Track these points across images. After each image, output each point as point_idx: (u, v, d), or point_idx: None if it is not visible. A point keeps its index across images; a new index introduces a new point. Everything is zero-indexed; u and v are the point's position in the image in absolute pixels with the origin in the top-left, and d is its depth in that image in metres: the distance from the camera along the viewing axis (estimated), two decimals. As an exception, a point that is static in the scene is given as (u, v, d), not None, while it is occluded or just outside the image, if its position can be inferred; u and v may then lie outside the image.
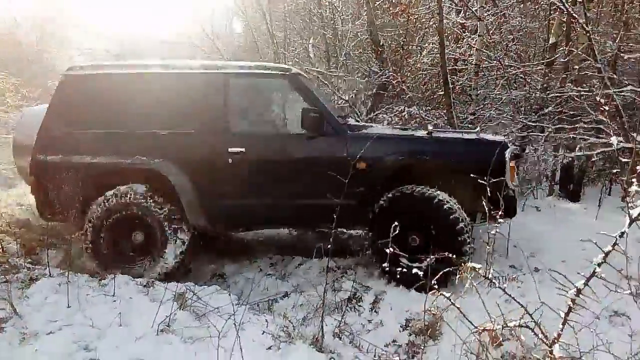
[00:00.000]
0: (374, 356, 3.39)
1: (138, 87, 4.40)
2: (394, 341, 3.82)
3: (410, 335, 3.82)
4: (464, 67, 7.81)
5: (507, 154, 4.08)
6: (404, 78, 7.53)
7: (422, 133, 4.37)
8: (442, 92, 6.76)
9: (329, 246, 3.31)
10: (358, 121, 5.01)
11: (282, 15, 10.63)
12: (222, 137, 4.24)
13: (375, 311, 4.23)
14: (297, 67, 6.23)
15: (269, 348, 2.91)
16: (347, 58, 9.23)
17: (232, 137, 4.24)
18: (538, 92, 6.32)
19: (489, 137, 4.41)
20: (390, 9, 8.79)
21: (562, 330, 1.56)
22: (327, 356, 2.89)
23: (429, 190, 4.11)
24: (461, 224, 4.03)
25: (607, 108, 2.33)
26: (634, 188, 1.49)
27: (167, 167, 4.23)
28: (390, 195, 4.17)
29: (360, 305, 4.31)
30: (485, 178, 3.54)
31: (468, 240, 4.03)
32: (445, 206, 4.03)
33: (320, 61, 9.81)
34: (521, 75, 6.72)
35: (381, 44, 8.08)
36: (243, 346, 2.93)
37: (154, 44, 10.93)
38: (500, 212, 3.41)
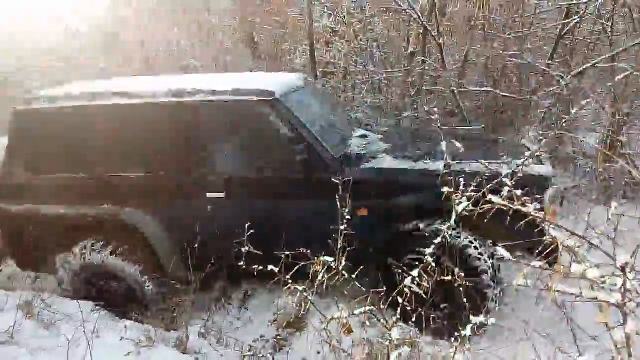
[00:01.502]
0: (241, 353, 3.42)
1: (100, 122, 3.67)
2: (262, 336, 3.89)
3: (277, 329, 3.94)
4: (334, 70, 8.14)
5: (547, 196, 3.24)
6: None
7: (438, 165, 3.34)
8: (313, 93, 6.98)
9: (196, 245, 3.25)
10: (366, 136, 4.17)
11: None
12: (198, 181, 3.57)
13: (245, 308, 4.27)
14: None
15: (128, 354, 2.78)
16: (219, 52, 9.10)
17: (210, 181, 3.55)
18: (398, 97, 6.84)
19: (533, 168, 3.38)
20: (265, 6, 8.87)
21: (398, 315, 1.74)
22: (192, 357, 2.84)
23: (449, 231, 3.37)
24: (486, 279, 3.28)
25: (436, 117, 2.63)
26: (445, 189, 1.72)
27: (139, 217, 3.64)
28: (400, 233, 3.45)
29: (229, 304, 4.31)
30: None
31: (493, 297, 3.31)
32: (469, 254, 3.29)
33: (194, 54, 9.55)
34: (384, 81, 7.21)
35: (255, 40, 8.11)
36: (100, 354, 2.77)
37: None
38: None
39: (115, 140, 3.66)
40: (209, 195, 3.53)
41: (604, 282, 1.34)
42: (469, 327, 1.60)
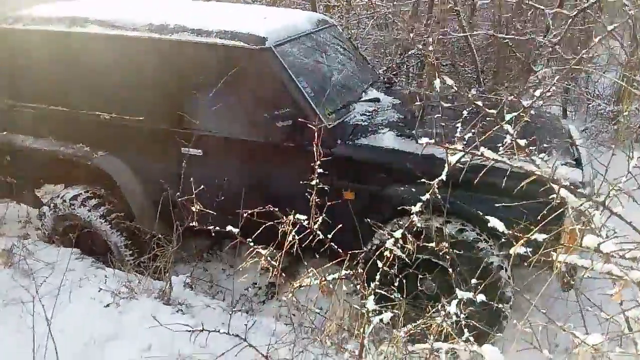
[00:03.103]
0: (231, 302, 3.35)
1: (76, 49, 3.29)
2: (254, 284, 3.82)
3: (270, 277, 3.85)
4: (337, 4, 7.67)
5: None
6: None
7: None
8: (313, 29, 6.59)
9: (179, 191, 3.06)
10: (378, 100, 3.50)
11: None
12: (175, 132, 3.15)
13: (237, 256, 4.18)
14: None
15: (107, 305, 2.69)
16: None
17: (187, 134, 3.12)
18: (404, 34, 6.43)
19: (560, 172, 2.54)
20: None
21: (378, 280, 1.58)
22: (175, 308, 2.75)
23: (454, 225, 2.78)
24: (501, 273, 2.74)
25: (431, 50, 2.35)
26: (430, 141, 1.48)
27: (111, 162, 3.34)
28: (395, 227, 2.80)
29: (222, 251, 4.22)
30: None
31: (508, 293, 2.78)
32: (480, 249, 2.73)
33: None
34: (390, 16, 6.77)
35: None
36: (79, 304, 2.70)
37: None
38: None
39: (92, 74, 3.31)
40: (184, 150, 3.11)
41: (622, 257, 1.13)
42: (453, 302, 1.43)
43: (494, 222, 1.41)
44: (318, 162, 1.66)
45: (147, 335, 2.53)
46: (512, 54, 5.61)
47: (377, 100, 3.49)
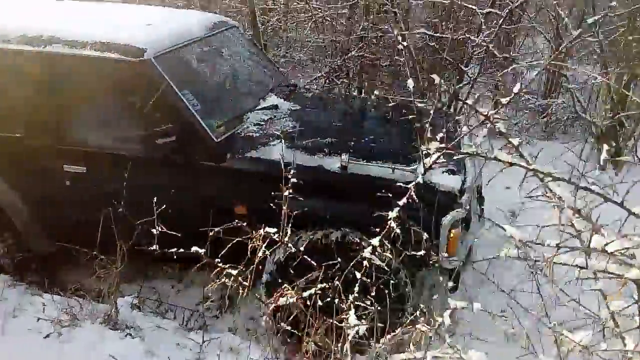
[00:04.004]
0: (182, 321, 3.20)
1: None
2: (206, 298, 3.68)
3: (223, 289, 3.72)
4: (274, 7, 7.61)
5: (446, 220, 2.57)
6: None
7: (335, 166, 2.74)
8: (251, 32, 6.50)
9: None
10: (277, 107, 3.36)
11: None
12: (55, 149, 2.98)
13: (186, 269, 4.00)
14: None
15: (47, 336, 2.49)
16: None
17: (69, 151, 2.97)
18: (343, 36, 6.46)
19: (440, 179, 2.71)
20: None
21: (356, 293, 1.54)
22: (123, 333, 2.59)
23: (351, 236, 2.65)
24: (400, 278, 2.66)
25: (402, 47, 2.34)
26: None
27: None
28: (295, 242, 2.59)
29: (170, 266, 4.03)
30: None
31: (408, 295, 2.73)
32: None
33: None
34: (328, 18, 6.78)
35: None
36: (15, 337, 2.49)
37: None
38: None
39: None
40: (66, 168, 2.96)
41: (630, 256, 1.11)
42: (447, 312, 1.38)
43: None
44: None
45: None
46: (446, 55, 5.75)
47: (275, 107, 3.34)
